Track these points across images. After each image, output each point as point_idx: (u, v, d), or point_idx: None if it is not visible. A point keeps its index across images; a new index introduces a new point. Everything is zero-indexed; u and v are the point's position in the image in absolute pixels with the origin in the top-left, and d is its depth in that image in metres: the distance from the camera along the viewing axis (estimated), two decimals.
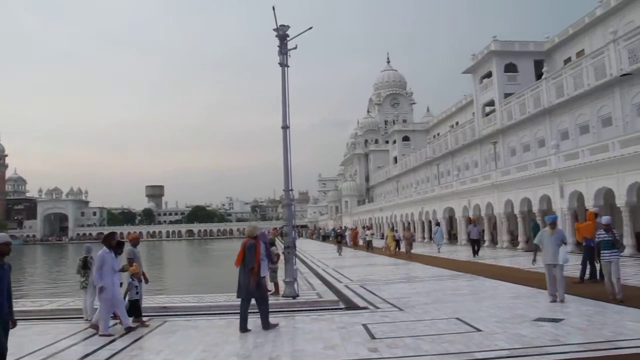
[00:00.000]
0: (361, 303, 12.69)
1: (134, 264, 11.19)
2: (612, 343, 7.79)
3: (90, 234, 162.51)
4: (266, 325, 9.96)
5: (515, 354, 7.52)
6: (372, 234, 41.45)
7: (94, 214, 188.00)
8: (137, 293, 11.02)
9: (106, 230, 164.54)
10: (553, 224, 11.91)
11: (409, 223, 55.31)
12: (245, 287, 9.88)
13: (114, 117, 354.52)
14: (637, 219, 26.31)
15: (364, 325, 9.74)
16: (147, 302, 14.62)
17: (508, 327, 9.23)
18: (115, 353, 8.53)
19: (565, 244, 11.94)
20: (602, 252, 11.54)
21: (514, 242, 34.83)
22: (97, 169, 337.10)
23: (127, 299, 11.00)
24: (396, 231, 36.80)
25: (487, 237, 37.37)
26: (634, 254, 23.12)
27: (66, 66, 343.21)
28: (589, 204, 25.47)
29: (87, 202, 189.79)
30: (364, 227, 51.96)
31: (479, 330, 9.05)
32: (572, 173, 27.46)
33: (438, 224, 37.90)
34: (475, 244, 27.46)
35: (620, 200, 23.83)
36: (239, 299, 10.05)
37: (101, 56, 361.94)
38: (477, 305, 11.89)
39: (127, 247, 11.55)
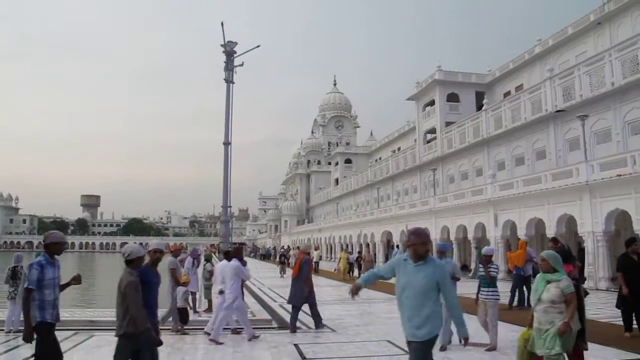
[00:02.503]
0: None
1: (184, 274, 11.69)
2: None
3: (18, 242, 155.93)
4: (319, 324, 11.57)
5: None
6: (320, 256, 40.53)
7: (24, 221, 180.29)
8: (187, 300, 11.45)
9: (36, 239, 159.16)
10: (441, 252, 9.64)
11: (367, 244, 50.03)
12: (299, 296, 11.38)
13: (50, 124, 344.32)
14: None
15: (296, 345, 9.68)
16: (74, 315, 14.18)
17: (438, 352, 9.33)
18: None
19: (458, 279, 9.54)
20: (480, 289, 9.75)
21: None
22: (30, 176, 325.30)
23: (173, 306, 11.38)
24: (350, 253, 34.06)
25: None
26: None
27: (1, 66, 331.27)
28: (521, 233, 26.31)
29: (17, 209, 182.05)
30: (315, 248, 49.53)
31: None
32: (506, 202, 28.33)
33: (397, 246, 37.70)
34: None
35: (550, 231, 24.65)
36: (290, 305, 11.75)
37: (41, 60, 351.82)
38: None
39: (169, 258, 11.56)
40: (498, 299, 9.59)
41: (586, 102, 29.50)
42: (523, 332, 6.42)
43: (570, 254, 7.18)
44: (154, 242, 6.67)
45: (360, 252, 36.19)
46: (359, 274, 27.96)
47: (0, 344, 10.10)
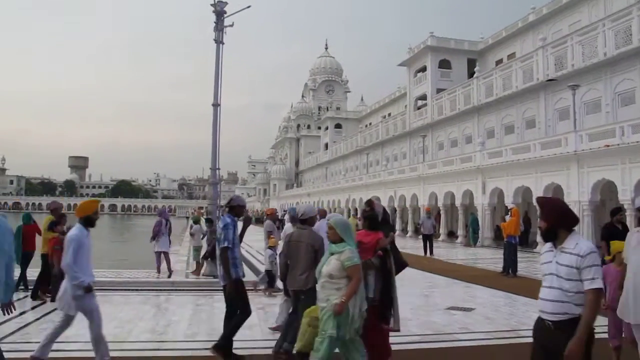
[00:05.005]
0: (282, 285, 12.72)
1: (272, 236, 11.71)
2: (517, 332, 8.18)
3: (5, 203, 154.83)
4: None
5: (426, 339, 7.79)
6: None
7: (11, 182, 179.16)
8: (275, 264, 11.29)
9: (24, 200, 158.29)
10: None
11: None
12: None
13: (39, 84, 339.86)
14: None
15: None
16: None
17: (421, 315, 9.51)
18: (25, 325, 8.28)
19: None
20: None
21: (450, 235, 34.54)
22: (18, 136, 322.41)
23: (264, 268, 11.91)
24: (359, 219, 31.54)
25: (442, 230, 34.11)
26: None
27: None
28: (508, 201, 26.53)
29: (3, 170, 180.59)
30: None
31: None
32: (494, 170, 28.48)
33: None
34: (428, 240, 23.35)
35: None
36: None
37: (34, 19, 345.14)
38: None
39: (267, 220, 12.39)
40: None
41: (578, 72, 29.48)
42: (310, 309, 5.57)
43: (386, 220, 6.20)
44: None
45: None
46: None
47: None
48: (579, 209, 22.53)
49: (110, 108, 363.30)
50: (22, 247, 11.30)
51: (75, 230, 6.17)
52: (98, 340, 5.95)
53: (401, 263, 6.21)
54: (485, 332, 8.08)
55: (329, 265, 5.26)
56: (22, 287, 11.35)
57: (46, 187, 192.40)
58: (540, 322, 3.86)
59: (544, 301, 3.80)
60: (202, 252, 15.00)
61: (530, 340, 3.99)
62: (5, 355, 6.59)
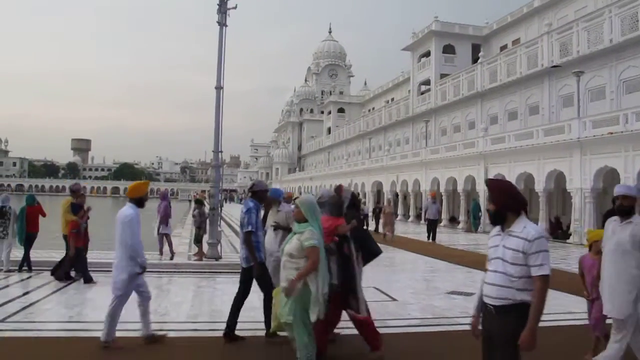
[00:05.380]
0: None
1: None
2: None
3: (9, 185, 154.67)
4: None
5: (426, 323, 7.85)
6: None
7: (14, 164, 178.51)
8: None
9: (27, 182, 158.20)
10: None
11: (390, 196, 41.14)
12: None
13: (43, 66, 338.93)
14: (552, 205, 27.67)
15: None
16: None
17: (422, 299, 9.58)
18: (27, 306, 8.33)
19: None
20: None
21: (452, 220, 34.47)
22: (20, 119, 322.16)
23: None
24: (364, 203, 29.46)
25: (444, 216, 33.19)
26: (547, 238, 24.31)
27: None
28: None
29: (6, 152, 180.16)
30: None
31: (394, 299, 9.34)
32: (497, 156, 28.45)
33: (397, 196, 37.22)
34: (432, 225, 22.62)
35: (539, 186, 24.91)
36: None
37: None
38: (395, 276, 12.24)
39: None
40: None
41: (583, 58, 29.30)
42: (277, 289, 5.60)
43: (355, 206, 6.20)
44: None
45: (378, 203, 34.84)
46: (377, 228, 25.49)
47: None
48: (581, 196, 22.55)
49: (113, 91, 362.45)
50: (25, 228, 11.37)
51: (130, 209, 6.43)
52: (113, 316, 6.19)
53: (373, 252, 6.31)
54: None
55: (290, 244, 5.32)
56: (26, 268, 11.41)
57: (49, 169, 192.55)
58: (484, 307, 3.76)
59: (489, 285, 3.69)
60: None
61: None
62: (10, 334, 6.69)
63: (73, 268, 10.65)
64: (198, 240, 14.28)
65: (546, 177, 24.62)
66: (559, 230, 25.81)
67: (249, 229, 6.53)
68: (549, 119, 31.32)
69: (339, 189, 6.45)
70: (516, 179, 26.52)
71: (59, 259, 10.96)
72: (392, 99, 66.68)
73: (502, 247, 3.65)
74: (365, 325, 6.01)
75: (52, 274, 10.64)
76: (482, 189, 29.36)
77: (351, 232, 6.02)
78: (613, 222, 5.31)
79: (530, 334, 3.45)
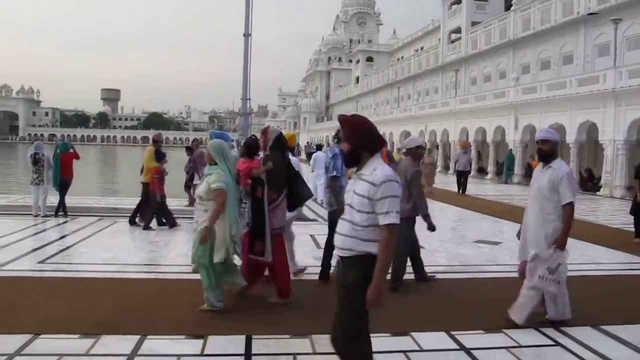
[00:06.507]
0: (311, 215, 12.98)
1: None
2: None
3: (42, 135, 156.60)
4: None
5: (453, 270, 7.98)
6: None
7: (46, 114, 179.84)
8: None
9: (59, 131, 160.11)
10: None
11: (431, 143, 39.37)
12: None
13: (73, 14, 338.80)
14: (584, 157, 27.26)
15: (311, 236, 9.97)
16: (99, 202, 14.72)
17: (450, 247, 9.67)
18: (65, 249, 8.63)
19: None
20: None
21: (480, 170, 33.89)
22: (51, 69, 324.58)
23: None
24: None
25: (472, 166, 30.18)
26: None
27: None
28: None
29: (38, 102, 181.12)
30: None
31: (421, 247, 9.44)
32: (528, 107, 27.96)
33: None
34: (462, 177, 21.24)
35: (570, 138, 24.50)
36: None
37: None
38: (422, 224, 12.30)
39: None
40: None
41: (621, 5, 28.31)
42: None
43: (279, 146, 5.87)
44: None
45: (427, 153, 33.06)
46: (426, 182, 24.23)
47: (30, 227, 10.59)
48: (613, 148, 22.15)
49: (142, 42, 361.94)
50: (59, 174, 11.66)
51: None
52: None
53: (300, 197, 6.25)
54: (511, 265, 8.18)
55: (200, 186, 5.43)
56: (62, 213, 11.76)
57: (80, 119, 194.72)
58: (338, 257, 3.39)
59: (337, 235, 3.30)
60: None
61: None
62: (49, 274, 6.99)
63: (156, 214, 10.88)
64: (188, 187, 14.31)
65: (578, 128, 24.18)
66: (589, 183, 25.50)
67: (334, 173, 6.52)
68: (584, 68, 30.53)
69: (265, 129, 6.31)
70: None
71: (94, 205, 11.24)
72: (422, 48, 65.62)
73: (352, 193, 3.22)
74: (276, 270, 5.86)
75: (131, 223, 10.84)
76: (512, 140, 29.03)
77: (271, 175, 5.81)
78: (538, 167, 5.38)
79: (376, 290, 3.05)
